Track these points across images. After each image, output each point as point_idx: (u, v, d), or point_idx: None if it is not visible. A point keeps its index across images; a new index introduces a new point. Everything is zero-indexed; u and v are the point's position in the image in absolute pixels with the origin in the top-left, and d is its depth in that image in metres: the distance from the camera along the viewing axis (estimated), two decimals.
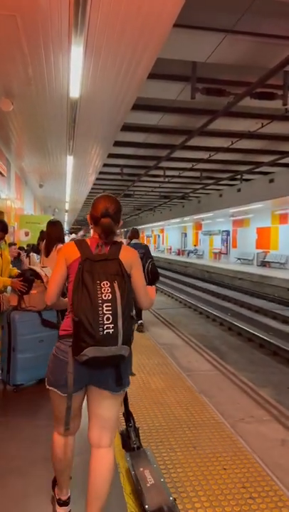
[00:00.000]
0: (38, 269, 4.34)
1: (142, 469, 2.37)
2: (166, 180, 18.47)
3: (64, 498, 2.24)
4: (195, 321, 12.36)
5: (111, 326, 1.83)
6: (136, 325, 7.25)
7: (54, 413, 2.17)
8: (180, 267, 31.17)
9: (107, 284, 1.88)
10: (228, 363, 5.59)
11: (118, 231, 2.17)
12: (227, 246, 29.70)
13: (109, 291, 1.87)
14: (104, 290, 1.86)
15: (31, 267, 4.45)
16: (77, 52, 4.73)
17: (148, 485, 2.24)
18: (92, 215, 2.14)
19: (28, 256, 9.01)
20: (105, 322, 1.83)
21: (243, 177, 18.91)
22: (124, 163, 15.70)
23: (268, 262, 23.56)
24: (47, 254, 4.93)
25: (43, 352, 4.15)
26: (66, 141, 8.98)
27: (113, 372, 1.98)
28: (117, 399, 2.07)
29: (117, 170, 16.68)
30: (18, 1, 3.83)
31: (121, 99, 6.49)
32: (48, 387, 2.10)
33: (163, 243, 48.56)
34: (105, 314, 1.83)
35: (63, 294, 2.22)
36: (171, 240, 44.66)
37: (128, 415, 2.67)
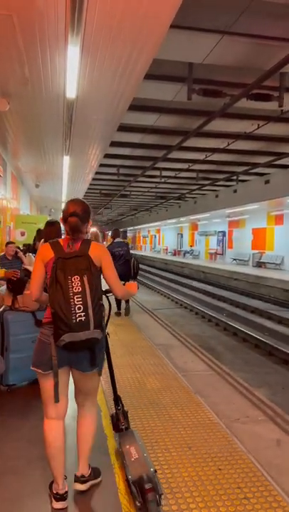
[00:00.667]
0: (31, 269, 4.33)
1: (128, 446, 2.57)
2: (163, 180, 18.50)
3: (61, 491, 2.32)
4: (191, 321, 12.37)
5: (82, 314, 2.13)
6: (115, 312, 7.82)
7: (42, 398, 2.40)
8: (176, 267, 31.20)
9: (77, 278, 2.17)
10: (224, 363, 5.60)
11: (92, 231, 2.65)
12: (223, 247, 29.76)
13: (79, 284, 2.16)
14: (75, 284, 2.16)
15: (26, 267, 4.43)
16: (73, 52, 4.73)
17: (132, 459, 2.44)
18: (63, 214, 2.43)
19: (25, 255, 8.98)
20: (77, 311, 2.13)
21: (239, 178, 18.97)
22: (120, 163, 15.71)
23: (264, 263, 23.63)
24: None
25: None
26: (62, 141, 8.97)
27: (88, 355, 2.28)
28: (93, 376, 2.39)
29: (113, 170, 16.68)
30: (15, 0, 3.82)
31: (117, 99, 6.49)
32: (32, 368, 2.38)
33: (159, 243, 48.59)
34: (76, 305, 2.13)
35: (45, 290, 2.45)
36: (168, 241, 44.70)
37: (117, 399, 2.90)
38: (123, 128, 10.29)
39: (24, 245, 10.89)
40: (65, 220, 2.38)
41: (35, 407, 3.69)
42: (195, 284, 21.85)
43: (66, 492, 2.33)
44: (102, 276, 2.40)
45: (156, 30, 4.35)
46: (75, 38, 4.38)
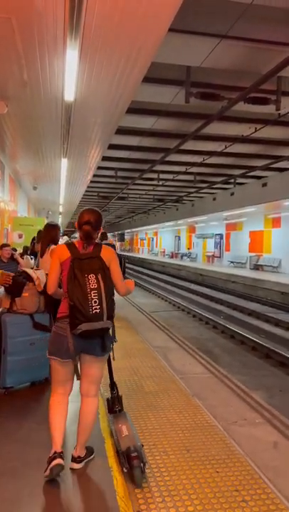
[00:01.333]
0: (30, 271, 4.33)
1: (120, 425, 2.93)
2: (160, 183, 18.55)
3: (58, 451, 2.64)
4: (188, 323, 12.38)
5: (98, 307, 2.51)
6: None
7: (53, 379, 2.78)
8: (173, 269, 31.22)
9: (93, 276, 2.55)
10: (221, 366, 5.60)
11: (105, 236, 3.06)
12: (220, 249, 29.81)
13: (95, 281, 2.54)
14: (91, 281, 2.53)
15: (24, 269, 4.43)
16: (72, 56, 4.75)
17: (123, 435, 2.81)
18: (78, 222, 2.75)
19: (22, 257, 8.96)
20: (93, 305, 2.50)
21: (237, 181, 19.03)
22: (118, 166, 15.73)
23: (261, 266, 23.68)
24: (42, 255, 4.94)
25: (34, 355, 4.14)
26: (60, 143, 8.98)
27: (99, 342, 2.65)
28: (102, 361, 2.80)
29: (111, 173, 16.71)
30: (14, 3, 3.84)
31: (116, 102, 6.51)
32: (48, 356, 2.71)
33: (157, 246, 48.61)
34: (93, 299, 2.50)
35: (59, 286, 2.77)
36: (165, 243, 44.73)
37: (112, 385, 3.22)
38: (121, 131, 10.31)
39: (24, 247, 10.87)
40: (79, 227, 2.71)
41: (32, 409, 3.69)
42: (192, 286, 21.87)
43: (62, 452, 2.63)
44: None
45: (154, 33, 4.37)
46: (74, 41, 4.39)
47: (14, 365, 4.03)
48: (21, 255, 9.13)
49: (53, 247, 4.80)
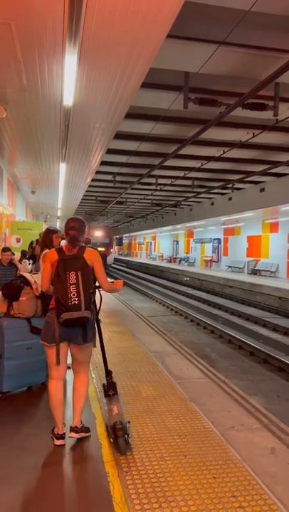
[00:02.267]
0: (28, 275, 4.33)
1: (112, 406, 3.22)
2: (159, 188, 18.58)
3: (60, 432, 3.14)
4: (186, 328, 12.36)
5: (76, 299, 2.97)
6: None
7: (48, 364, 3.20)
8: (171, 274, 31.21)
9: (73, 273, 3.01)
10: (219, 371, 5.59)
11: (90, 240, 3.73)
12: (218, 254, 29.84)
13: (74, 278, 3.00)
14: (71, 278, 3.00)
15: (21, 273, 4.43)
16: (71, 61, 4.77)
17: (113, 414, 3.15)
18: (65, 228, 3.26)
19: (20, 262, 8.95)
20: (72, 297, 2.97)
21: (235, 186, 19.09)
22: (116, 170, 15.76)
23: (259, 270, 23.70)
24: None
25: (31, 359, 4.13)
26: (59, 148, 8.99)
27: (81, 332, 3.09)
28: (86, 348, 3.20)
29: (109, 177, 16.74)
30: (14, 9, 3.86)
31: (114, 107, 6.53)
32: (40, 342, 3.18)
33: (155, 250, 48.62)
34: (72, 292, 2.98)
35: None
36: (163, 248, 44.74)
37: (107, 372, 3.50)
38: (120, 136, 10.35)
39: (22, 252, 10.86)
40: (66, 232, 3.21)
41: (29, 414, 3.67)
42: (190, 291, 21.85)
43: (64, 433, 3.14)
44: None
45: (152, 39, 4.40)
46: (73, 47, 4.42)
47: (11, 369, 4.02)
48: (20, 259, 9.13)
49: (46, 251, 4.80)
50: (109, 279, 3.44)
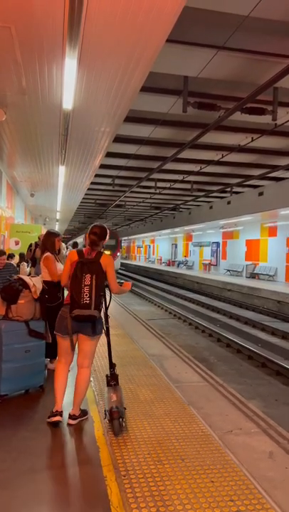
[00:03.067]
0: (26, 278, 4.32)
1: (112, 394, 3.54)
2: (158, 191, 18.60)
3: (58, 409, 3.53)
4: (184, 331, 12.35)
5: (88, 299, 3.38)
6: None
7: (58, 351, 3.68)
8: (170, 277, 31.21)
9: (89, 276, 3.41)
10: (217, 375, 5.59)
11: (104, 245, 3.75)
12: (217, 257, 29.85)
13: (89, 280, 3.40)
14: (86, 280, 3.40)
15: (20, 276, 4.42)
16: (70, 64, 4.79)
17: (112, 400, 3.48)
18: (88, 233, 3.67)
19: (18, 265, 8.95)
20: (84, 297, 3.38)
21: (233, 190, 19.12)
22: (116, 173, 15.78)
23: (257, 274, 23.72)
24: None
25: (29, 362, 4.12)
26: (58, 151, 9.01)
27: (90, 326, 3.51)
28: (92, 340, 3.59)
29: (108, 180, 16.75)
30: (14, 13, 3.88)
31: (114, 111, 6.55)
32: (55, 332, 3.64)
33: (153, 254, 48.62)
34: (85, 292, 3.38)
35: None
36: (162, 251, 44.75)
37: (111, 364, 3.78)
38: (119, 139, 10.37)
39: (20, 254, 10.83)
40: (88, 236, 3.62)
41: (27, 417, 3.66)
42: (189, 294, 21.85)
43: (61, 411, 3.53)
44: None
45: (152, 43, 4.42)
46: (73, 51, 4.44)
47: (9, 372, 4.01)
48: (18, 262, 9.12)
49: (47, 254, 4.81)
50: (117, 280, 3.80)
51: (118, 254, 32.09)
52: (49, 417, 3.50)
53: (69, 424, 3.49)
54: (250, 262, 25.02)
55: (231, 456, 3.09)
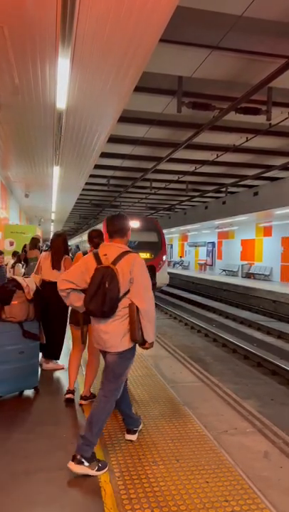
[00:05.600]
0: (20, 279, 4.29)
1: None
2: (153, 191, 18.58)
3: (71, 388, 4.08)
4: (180, 332, 12.34)
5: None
6: None
7: (73, 340, 4.23)
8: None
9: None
10: (213, 375, 5.58)
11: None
12: (212, 257, 29.90)
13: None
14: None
15: (14, 277, 4.39)
16: (64, 64, 4.77)
17: None
18: (88, 238, 4.27)
19: (13, 266, 8.90)
20: None
21: (228, 190, 19.16)
22: (110, 174, 15.76)
23: (253, 274, 23.78)
24: (58, 267, 4.93)
25: (23, 364, 4.09)
26: (53, 151, 8.98)
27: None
28: None
29: (103, 181, 16.72)
30: (6, 12, 3.85)
31: (108, 111, 6.54)
32: (69, 323, 4.24)
33: None
34: None
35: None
36: None
37: None
38: (113, 139, 10.35)
39: (14, 255, 10.77)
40: (90, 240, 4.22)
41: (21, 419, 3.63)
42: (184, 294, 21.85)
43: (74, 390, 4.09)
44: None
45: (145, 43, 4.41)
46: (66, 50, 4.42)
47: (3, 374, 3.98)
48: (14, 263, 9.07)
49: (66, 257, 5.03)
50: None
51: (164, 258, 16.48)
52: (65, 395, 4.08)
53: (81, 404, 3.96)
54: (245, 262, 25.08)
55: (226, 456, 3.08)
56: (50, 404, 4.01)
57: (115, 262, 2.90)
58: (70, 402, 4.00)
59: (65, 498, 2.54)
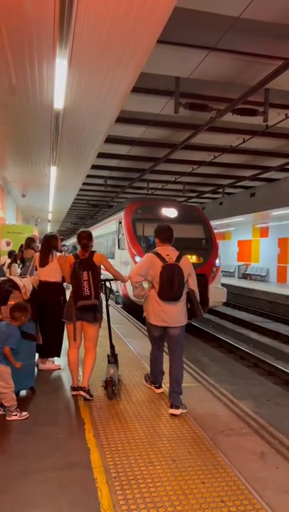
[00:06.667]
0: (16, 279, 4.29)
1: (109, 369, 4.39)
2: (150, 192, 18.59)
3: (75, 386, 4.25)
4: None
5: (88, 291, 4.03)
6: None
7: (68, 336, 4.29)
8: None
9: (86, 273, 4.06)
10: (210, 375, 5.58)
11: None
12: None
13: (87, 276, 4.05)
14: (84, 276, 4.04)
15: (10, 277, 4.38)
16: (61, 64, 4.77)
17: (108, 373, 4.30)
18: (77, 238, 4.33)
19: (9, 267, 8.86)
20: (85, 290, 4.03)
21: (225, 191, 19.19)
22: (108, 174, 15.75)
23: (249, 275, 23.82)
24: (43, 264, 4.93)
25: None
26: (50, 151, 8.97)
27: (91, 314, 4.14)
28: (95, 326, 4.24)
29: (100, 181, 16.72)
30: (4, 12, 3.85)
31: (105, 111, 6.54)
32: (63, 319, 4.30)
33: None
34: (85, 286, 4.03)
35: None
36: None
37: (111, 346, 4.69)
38: (111, 140, 10.36)
39: (10, 255, 10.72)
40: (78, 241, 4.24)
41: (18, 420, 3.62)
42: None
43: (78, 386, 4.20)
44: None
45: (143, 43, 4.42)
46: (63, 50, 4.42)
47: None
48: (10, 263, 9.03)
49: (59, 254, 5.08)
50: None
51: (217, 262, 11.95)
52: (71, 390, 4.25)
53: (81, 395, 4.15)
54: (242, 263, 25.11)
55: (222, 457, 3.08)
56: (47, 405, 4.00)
57: (178, 260, 4.08)
58: (76, 397, 4.16)
59: (62, 499, 2.53)
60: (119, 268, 10.82)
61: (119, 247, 12.48)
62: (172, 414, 3.80)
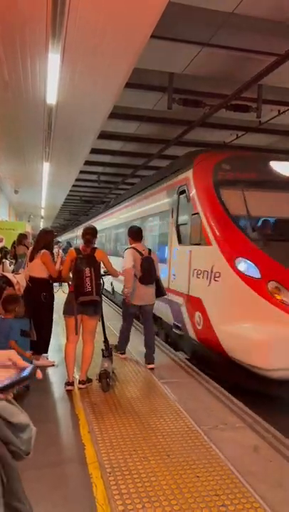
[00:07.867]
0: (10, 276, 4.27)
1: (104, 363, 4.52)
2: None
3: (70, 380, 4.36)
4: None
5: (89, 287, 4.25)
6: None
7: (67, 331, 4.47)
8: None
9: (88, 269, 4.28)
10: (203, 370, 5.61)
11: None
12: None
13: (89, 272, 4.27)
14: (87, 272, 4.27)
15: (4, 273, 4.37)
16: (54, 59, 4.73)
17: (103, 366, 4.46)
18: (82, 233, 4.61)
19: (1, 262, 8.81)
20: (87, 286, 4.25)
21: None
22: (101, 170, 15.68)
23: None
24: (31, 259, 4.96)
25: None
26: (42, 147, 8.91)
27: (92, 308, 4.40)
28: (94, 319, 4.49)
29: (94, 177, 16.64)
30: None
31: (98, 107, 6.50)
32: (63, 314, 4.44)
33: None
34: (87, 282, 4.24)
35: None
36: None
37: (106, 339, 4.84)
38: (104, 135, 10.29)
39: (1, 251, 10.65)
40: (83, 236, 4.52)
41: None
42: None
43: (73, 382, 4.35)
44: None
45: (136, 39, 4.39)
46: (56, 46, 4.38)
47: None
48: (0, 259, 8.98)
49: (45, 251, 4.90)
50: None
51: None
52: (65, 386, 4.30)
53: (79, 388, 4.31)
54: None
55: (217, 451, 3.11)
56: (41, 401, 4.00)
57: (149, 254, 5.35)
58: (69, 392, 4.22)
59: (56, 495, 2.54)
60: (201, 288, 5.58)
61: (180, 240, 6.64)
62: (150, 368, 5.08)
